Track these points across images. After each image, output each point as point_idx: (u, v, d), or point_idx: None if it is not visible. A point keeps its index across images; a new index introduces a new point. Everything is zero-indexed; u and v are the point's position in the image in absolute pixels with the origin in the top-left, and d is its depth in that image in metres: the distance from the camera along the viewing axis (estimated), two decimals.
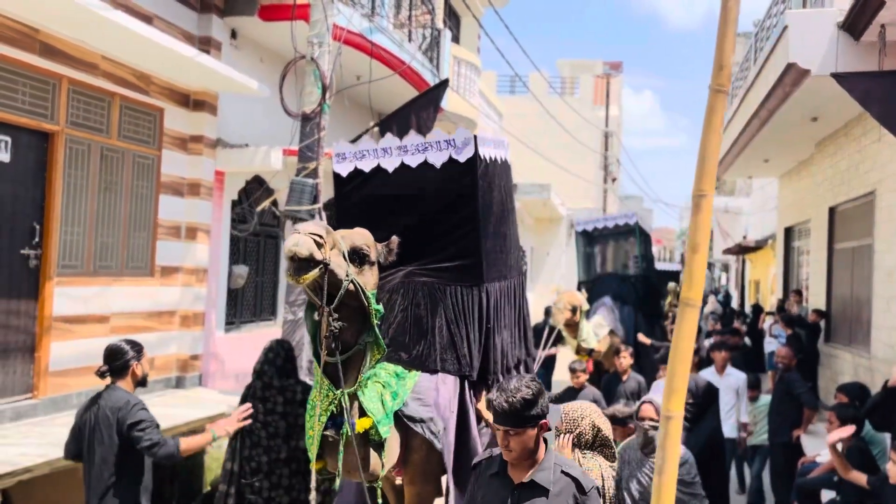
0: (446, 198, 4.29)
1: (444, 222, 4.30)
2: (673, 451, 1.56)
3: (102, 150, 6.89)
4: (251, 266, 9.13)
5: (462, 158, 4.23)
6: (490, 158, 4.41)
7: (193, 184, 8.03)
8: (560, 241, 24.51)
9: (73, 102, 6.54)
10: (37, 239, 6.24)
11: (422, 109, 7.96)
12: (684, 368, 1.55)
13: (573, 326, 8.14)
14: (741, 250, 23.85)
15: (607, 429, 3.63)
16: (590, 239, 11.79)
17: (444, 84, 6.68)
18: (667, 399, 1.54)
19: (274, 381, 4.33)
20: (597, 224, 11.57)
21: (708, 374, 7.07)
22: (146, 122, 7.46)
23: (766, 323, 13.72)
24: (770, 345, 12.46)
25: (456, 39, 16.04)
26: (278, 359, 4.39)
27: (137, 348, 4.17)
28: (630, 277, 10.64)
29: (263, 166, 8.32)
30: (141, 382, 4.16)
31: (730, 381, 7.10)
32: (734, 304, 27.16)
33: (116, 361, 4.06)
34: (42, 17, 5.95)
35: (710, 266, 41.00)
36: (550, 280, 24.71)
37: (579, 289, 10.44)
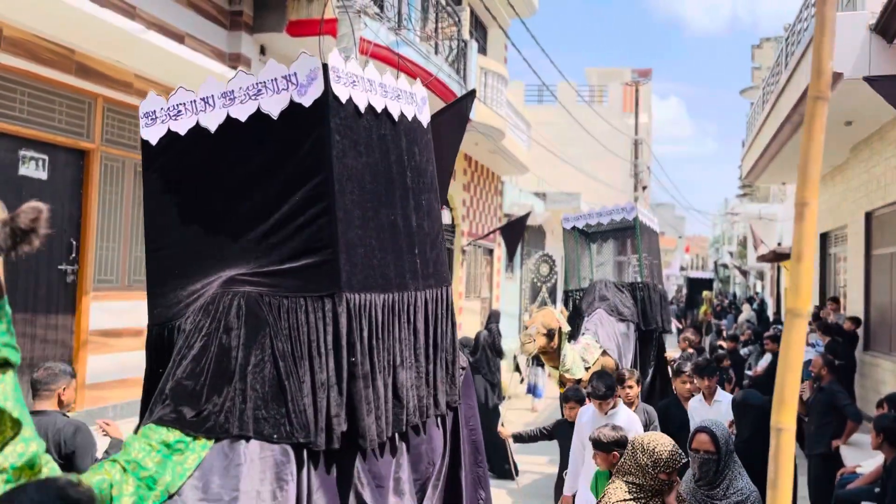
0: (288, 164, 2.82)
1: (285, 201, 2.78)
2: (787, 465, 1.57)
3: (136, 167, 7.04)
4: None
5: (308, 101, 2.79)
6: (364, 105, 2.96)
7: None
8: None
9: (108, 120, 6.70)
10: (74, 254, 6.39)
11: (449, 121, 7.99)
12: (794, 379, 1.57)
13: (552, 354, 6.67)
14: (776, 257, 23.46)
15: None
16: (585, 238, 9.87)
17: (471, 95, 6.68)
18: (776, 412, 1.56)
19: None
20: (589, 220, 9.27)
21: (695, 402, 6.22)
22: None
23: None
24: (807, 353, 12.24)
25: (483, 50, 16.10)
26: None
27: (69, 372, 3.90)
28: (628, 286, 8.62)
29: None
30: (64, 409, 3.85)
31: (720, 410, 5.94)
32: (770, 312, 26.69)
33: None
34: (79, 39, 6.11)
35: (745, 273, 40.38)
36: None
37: (567, 300, 9.19)
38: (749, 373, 11.78)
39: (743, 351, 13.39)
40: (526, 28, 10.77)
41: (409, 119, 3.22)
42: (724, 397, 6.14)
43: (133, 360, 6.88)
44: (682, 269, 45.20)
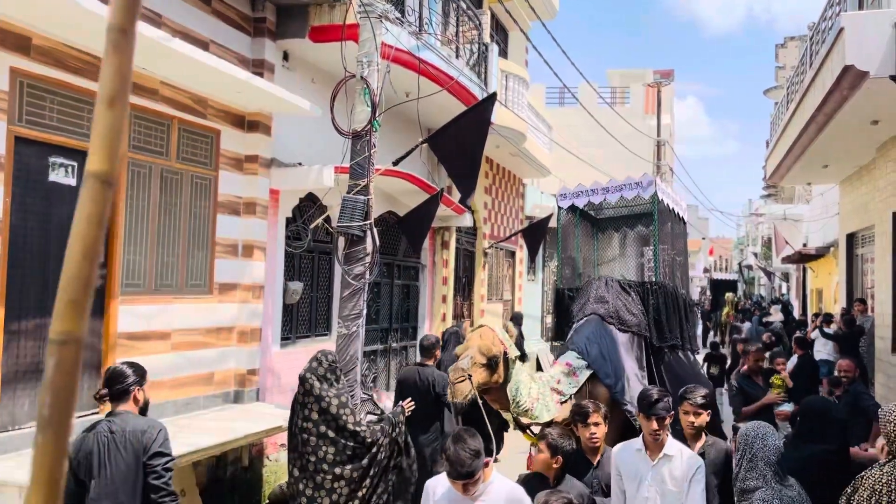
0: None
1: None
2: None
3: (162, 173, 7.14)
4: (306, 282, 9.30)
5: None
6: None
7: (249, 203, 8.25)
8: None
9: (135, 127, 6.81)
10: (101, 259, 6.48)
11: (470, 124, 8.01)
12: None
13: (498, 392, 4.92)
14: (802, 258, 23.17)
15: None
16: (588, 222, 7.80)
17: (492, 98, 6.70)
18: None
19: (314, 388, 4.59)
20: (592, 196, 6.98)
21: (626, 450, 4.28)
22: (203, 144, 7.70)
23: (814, 332, 13.33)
24: (819, 353, 12.12)
25: (504, 53, 16.10)
26: (320, 368, 4.68)
27: (140, 372, 3.97)
28: (637, 286, 6.58)
29: (316, 184, 8.50)
30: (143, 409, 3.91)
31: (672, 470, 4.08)
32: (796, 314, 26.36)
33: (117, 385, 3.83)
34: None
35: (770, 275, 39.94)
36: None
37: (560, 298, 7.09)
38: None
39: (766, 354, 13.24)
40: (547, 30, 10.76)
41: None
42: (677, 450, 4.12)
43: (160, 363, 6.98)
44: (706, 270, 44.72)
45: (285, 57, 8.78)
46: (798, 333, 14.39)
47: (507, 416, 5.19)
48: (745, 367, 7.28)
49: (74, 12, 5.37)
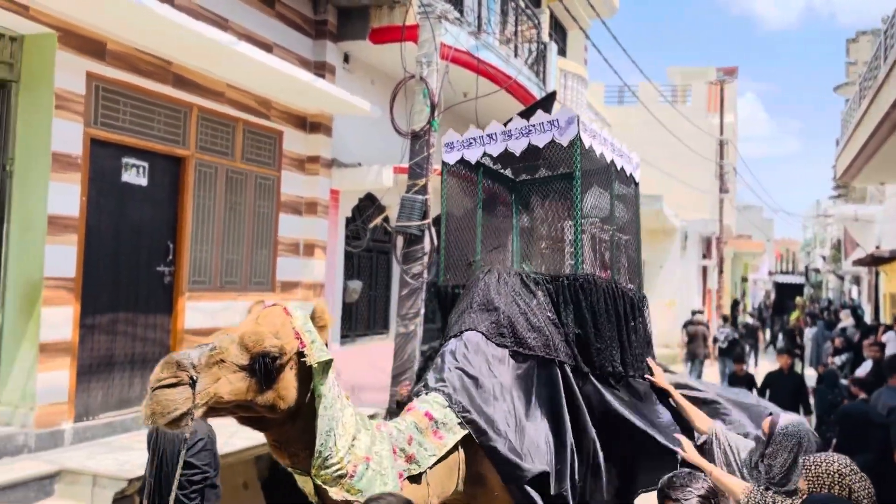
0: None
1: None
2: None
3: (228, 173, 7.33)
4: (365, 281, 9.42)
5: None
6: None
7: (311, 202, 8.40)
8: (674, 254, 23.79)
9: (202, 128, 7.01)
10: (170, 257, 6.70)
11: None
12: None
13: (284, 430, 2.89)
14: (874, 261, 22.29)
15: (863, 493, 2.81)
16: (490, 180, 4.88)
17: (551, 97, 6.63)
18: None
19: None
20: (489, 146, 4.52)
21: None
22: (267, 145, 7.88)
23: (885, 336, 12.79)
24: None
25: (562, 52, 15.98)
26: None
27: None
28: (548, 282, 4.10)
29: (375, 184, 8.60)
30: None
31: None
32: (867, 318, 25.36)
33: None
34: (176, 51, 6.42)
35: (841, 278, 38.52)
36: (663, 295, 24.00)
37: (444, 303, 4.51)
38: (845, 382, 11.24)
39: (836, 360, 12.80)
40: (607, 28, 10.63)
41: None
42: None
43: None
44: (771, 273, 43.50)
45: (346, 59, 8.91)
46: (869, 339, 13.88)
47: (302, 482, 2.93)
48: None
49: (148, 17, 5.56)
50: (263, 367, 2.61)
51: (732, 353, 15.25)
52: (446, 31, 7.93)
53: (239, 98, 7.39)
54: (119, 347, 6.24)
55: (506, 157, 4.55)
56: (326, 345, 2.83)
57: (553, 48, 12.29)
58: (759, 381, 9.75)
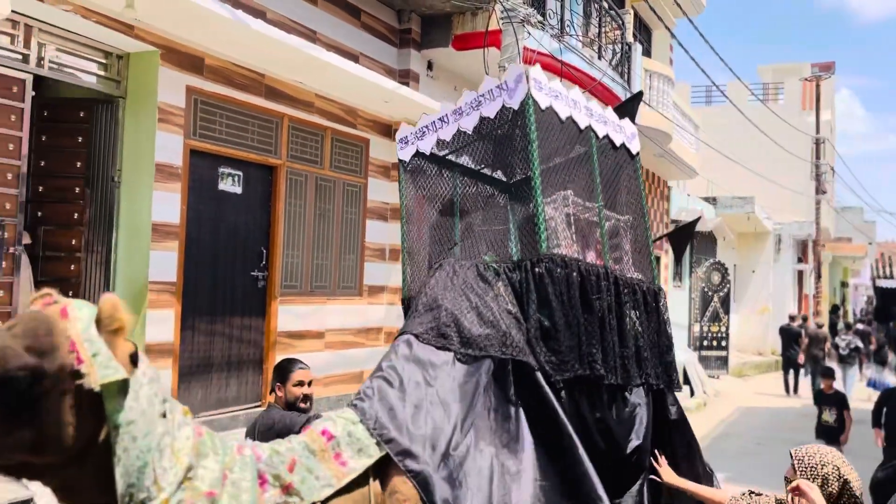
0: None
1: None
2: None
3: (317, 181, 7.55)
4: None
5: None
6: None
7: (396, 209, 8.52)
8: (767, 258, 22.89)
9: (293, 138, 7.24)
10: (264, 262, 6.95)
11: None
12: None
13: (71, 473, 1.93)
14: None
15: (856, 484, 2.76)
16: (450, 174, 4.07)
17: (637, 97, 6.47)
18: None
19: None
20: (441, 131, 3.89)
21: None
22: (354, 153, 8.06)
23: None
24: None
25: (647, 52, 15.67)
26: None
27: (278, 370, 3.96)
28: (509, 268, 3.27)
29: None
30: (290, 405, 3.79)
31: None
32: None
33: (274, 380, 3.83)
34: (268, 64, 6.67)
35: None
36: (756, 301, 23.09)
37: (406, 311, 3.75)
38: None
39: None
40: (694, 27, 10.38)
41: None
42: None
43: (316, 361, 7.35)
44: (875, 278, 41.17)
45: (429, 66, 9.02)
46: None
47: None
48: None
49: (244, 33, 5.81)
50: (13, 397, 1.76)
51: (854, 361, 14.41)
52: (529, 34, 7.92)
53: (327, 108, 7.60)
54: (216, 349, 6.51)
55: (464, 139, 3.75)
56: (135, 353, 1.97)
57: (638, 48, 12.07)
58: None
